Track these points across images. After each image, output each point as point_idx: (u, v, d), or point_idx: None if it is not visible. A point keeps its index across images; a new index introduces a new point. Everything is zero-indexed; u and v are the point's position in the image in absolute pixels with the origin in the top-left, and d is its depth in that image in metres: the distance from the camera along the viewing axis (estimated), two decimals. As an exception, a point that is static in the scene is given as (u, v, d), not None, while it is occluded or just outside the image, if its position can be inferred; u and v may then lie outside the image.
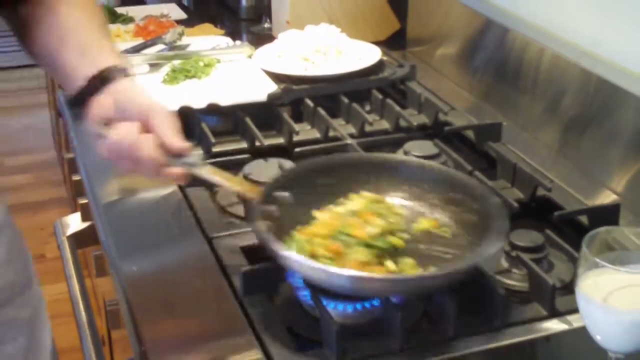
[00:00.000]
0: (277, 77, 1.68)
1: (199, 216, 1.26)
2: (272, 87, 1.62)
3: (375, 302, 1.02)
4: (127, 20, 2.20)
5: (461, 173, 1.21)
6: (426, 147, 1.40)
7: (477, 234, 1.07)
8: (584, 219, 1.22)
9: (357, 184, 1.17)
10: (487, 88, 1.70)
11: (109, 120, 1.11)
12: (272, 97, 1.59)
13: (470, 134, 1.50)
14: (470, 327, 1.00)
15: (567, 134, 1.46)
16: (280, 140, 1.51)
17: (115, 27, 2.10)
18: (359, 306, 1.02)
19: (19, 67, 4.60)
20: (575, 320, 1.02)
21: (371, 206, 1.09)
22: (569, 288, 1.09)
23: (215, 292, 1.09)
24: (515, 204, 1.22)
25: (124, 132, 1.07)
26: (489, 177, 1.29)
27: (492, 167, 1.39)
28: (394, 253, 1.05)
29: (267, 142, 1.46)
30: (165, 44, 1.88)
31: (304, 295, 1.04)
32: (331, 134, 1.52)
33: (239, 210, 1.27)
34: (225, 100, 1.56)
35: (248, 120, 1.51)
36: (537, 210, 1.27)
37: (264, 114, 1.57)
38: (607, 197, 1.33)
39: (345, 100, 1.60)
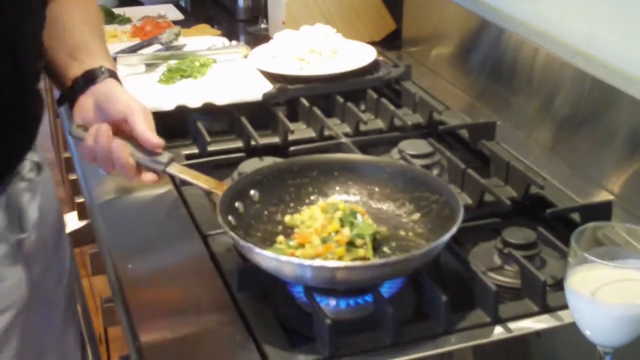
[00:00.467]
0: (272, 77, 1.69)
1: (194, 214, 1.27)
2: (268, 86, 1.62)
3: (368, 298, 1.03)
4: (124, 20, 2.21)
5: (425, 171, 1.24)
6: (420, 146, 1.41)
7: (439, 226, 1.09)
8: (576, 216, 1.23)
9: (326, 184, 1.21)
10: (482, 88, 1.71)
11: (89, 122, 1.14)
12: (267, 97, 1.60)
13: (464, 133, 1.51)
14: (462, 323, 1.01)
15: (561, 133, 1.47)
16: (276, 139, 1.52)
17: (112, 28, 2.11)
18: (351, 302, 1.03)
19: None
20: (566, 316, 1.02)
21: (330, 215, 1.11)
22: (560, 284, 1.09)
23: (210, 289, 1.10)
24: (508, 202, 1.23)
25: (100, 137, 1.10)
26: (483, 176, 1.30)
27: (485, 165, 1.40)
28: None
29: (263, 141, 1.47)
30: (162, 44, 1.89)
31: (297, 291, 1.05)
32: (326, 133, 1.52)
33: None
34: (221, 100, 1.57)
35: (243, 119, 1.52)
36: (530, 208, 1.28)
37: (259, 113, 1.58)
38: (600, 195, 1.34)
39: (341, 99, 1.61)
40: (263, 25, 2.21)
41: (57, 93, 1.76)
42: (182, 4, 2.51)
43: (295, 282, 1.04)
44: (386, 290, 1.04)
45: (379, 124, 1.57)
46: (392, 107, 1.57)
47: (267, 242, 1.12)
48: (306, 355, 0.97)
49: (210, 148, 1.46)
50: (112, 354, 1.66)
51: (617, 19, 1.39)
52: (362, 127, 1.54)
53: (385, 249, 1.10)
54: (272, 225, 1.15)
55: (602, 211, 1.22)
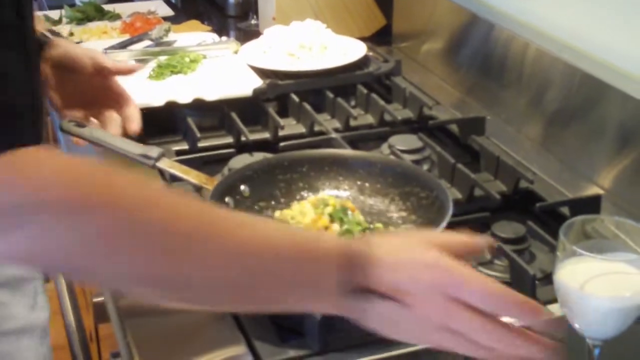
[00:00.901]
0: (262, 73, 1.69)
1: (184, 210, 1.26)
2: (258, 82, 1.62)
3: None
4: (114, 17, 2.20)
5: (415, 166, 1.24)
6: (410, 141, 1.41)
7: (429, 220, 1.10)
8: (565, 210, 1.23)
9: (316, 180, 1.21)
10: (472, 83, 1.71)
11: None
12: (257, 92, 1.59)
13: (454, 128, 1.51)
14: (452, 318, 1.01)
15: (551, 127, 1.47)
16: (266, 135, 1.52)
17: (102, 24, 2.11)
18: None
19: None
20: (555, 310, 1.02)
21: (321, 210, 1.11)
22: (549, 278, 1.10)
23: (200, 285, 1.09)
24: (498, 197, 1.23)
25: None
26: (473, 170, 1.30)
27: (475, 160, 1.40)
28: None
29: (253, 137, 1.47)
30: (152, 40, 1.89)
31: (288, 287, 1.05)
32: (316, 128, 1.52)
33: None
34: (211, 96, 1.56)
35: (234, 115, 1.52)
36: (519, 203, 1.28)
37: (249, 109, 1.57)
38: (589, 190, 1.34)
39: (331, 95, 1.61)
40: (253, 21, 2.21)
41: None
42: (172, 0, 2.51)
43: None
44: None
45: (369, 119, 1.57)
46: (382, 103, 1.57)
47: None
48: (296, 350, 0.97)
49: (201, 144, 1.46)
50: (103, 351, 1.65)
51: (606, 14, 1.40)
52: (352, 123, 1.54)
53: None
54: None
55: (591, 205, 1.22)
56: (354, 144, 1.46)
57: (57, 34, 1.79)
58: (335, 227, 1.06)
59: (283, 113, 1.59)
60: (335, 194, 1.19)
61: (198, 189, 1.27)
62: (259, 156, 1.36)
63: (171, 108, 1.54)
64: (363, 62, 1.75)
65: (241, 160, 1.35)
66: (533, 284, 1.03)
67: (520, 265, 1.05)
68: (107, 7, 2.28)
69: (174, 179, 1.28)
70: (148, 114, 1.53)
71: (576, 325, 0.85)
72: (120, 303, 1.07)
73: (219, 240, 0.70)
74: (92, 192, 0.67)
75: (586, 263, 0.82)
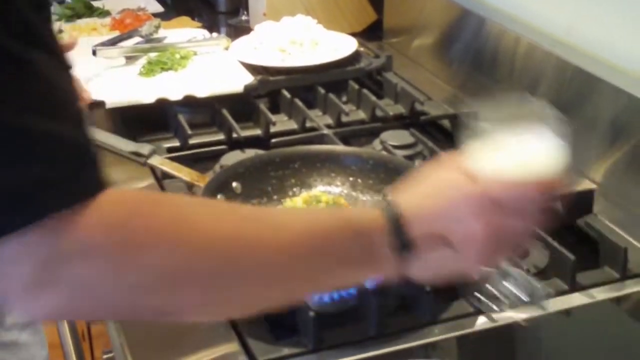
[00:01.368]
0: (253, 69, 1.68)
1: (175, 208, 1.25)
2: (249, 78, 1.61)
3: (352, 290, 1.02)
4: (103, 13, 2.19)
5: (407, 162, 1.24)
6: (402, 136, 1.40)
7: None
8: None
9: (308, 176, 1.20)
10: (464, 78, 1.71)
11: None
12: (248, 89, 1.59)
13: (446, 123, 1.51)
14: (446, 313, 1.01)
15: (543, 122, 1.47)
16: (257, 131, 1.51)
17: (91, 21, 2.09)
18: (335, 294, 1.02)
19: None
20: (550, 305, 1.03)
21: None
22: (544, 274, 1.10)
23: (192, 283, 1.09)
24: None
25: None
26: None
27: (468, 155, 1.39)
28: None
29: (244, 133, 1.46)
30: (142, 36, 1.88)
31: (281, 284, 1.04)
32: (308, 124, 1.52)
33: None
34: (202, 92, 1.56)
35: (225, 111, 1.51)
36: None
37: (240, 105, 1.57)
38: (582, 185, 1.34)
39: (322, 91, 1.60)
40: (244, 17, 2.20)
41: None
42: (162, -4, 2.50)
43: None
44: (369, 281, 1.03)
45: (361, 115, 1.57)
46: (373, 98, 1.56)
47: None
48: (290, 348, 0.96)
49: (192, 141, 1.45)
50: (95, 350, 1.65)
51: (598, 8, 1.39)
52: (344, 119, 1.54)
53: None
54: None
55: (584, 200, 1.22)
56: (345, 139, 1.46)
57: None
58: None
59: (274, 109, 1.58)
60: (328, 190, 1.19)
61: (190, 187, 1.27)
62: (250, 153, 1.36)
63: (162, 105, 1.53)
64: (354, 57, 1.75)
65: (233, 157, 1.34)
66: (527, 280, 1.03)
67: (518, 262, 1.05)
68: (97, 4, 2.26)
69: (165, 176, 1.28)
70: (139, 111, 1.53)
71: None
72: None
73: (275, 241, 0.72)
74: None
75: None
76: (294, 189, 1.19)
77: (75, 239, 0.61)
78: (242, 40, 1.82)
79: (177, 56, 1.72)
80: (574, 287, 1.06)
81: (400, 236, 0.75)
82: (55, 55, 0.63)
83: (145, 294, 0.66)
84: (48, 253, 0.60)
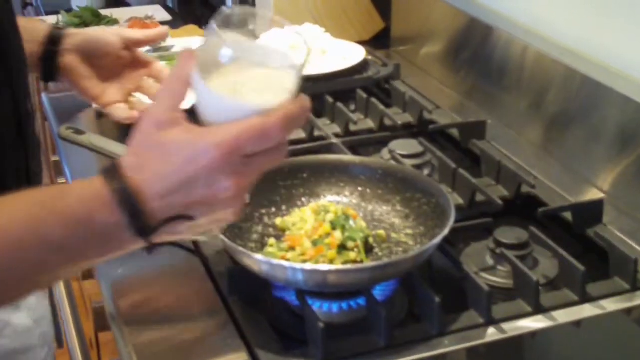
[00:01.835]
0: (261, 78, 1.67)
1: (184, 217, 1.25)
2: (257, 87, 1.61)
3: (361, 301, 1.02)
4: (111, 22, 2.19)
5: (416, 172, 1.24)
6: (411, 145, 1.40)
7: (431, 227, 1.09)
8: (568, 215, 1.22)
9: (317, 186, 1.20)
10: (472, 86, 1.71)
11: (81, 78, 1.14)
12: (256, 98, 1.58)
13: (454, 132, 1.50)
14: (455, 324, 1.00)
15: (552, 131, 1.47)
16: (265, 140, 1.51)
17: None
18: (344, 305, 1.02)
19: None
20: (560, 316, 1.02)
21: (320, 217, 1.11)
22: (553, 284, 1.10)
23: (201, 292, 1.09)
24: (500, 202, 1.22)
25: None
26: (474, 175, 1.29)
27: (476, 165, 1.39)
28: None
29: (252, 142, 1.46)
30: (150, 45, 1.88)
31: (290, 294, 1.04)
32: (316, 133, 1.51)
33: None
34: (209, 101, 1.55)
35: (233, 120, 1.51)
36: (521, 208, 1.27)
37: (248, 114, 1.56)
38: (591, 194, 1.34)
39: (330, 99, 1.60)
40: (251, 27, 2.20)
41: (43, 97, 1.76)
42: (170, 4, 2.50)
43: (287, 286, 1.03)
44: (379, 292, 1.03)
45: (369, 123, 1.57)
46: (382, 107, 1.56)
47: (258, 244, 1.11)
48: (299, 359, 0.96)
49: (200, 150, 1.45)
50: (103, 358, 1.65)
51: (607, 16, 1.39)
52: (352, 127, 1.53)
53: (377, 251, 1.09)
54: (263, 228, 1.15)
55: (594, 210, 1.22)
56: (354, 149, 1.46)
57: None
58: (337, 234, 1.05)
59: (282, 118, 1.57)
60: (337, 200, 1.19)
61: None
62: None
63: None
64: (362, 66, 1.75)
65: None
66: (537, 290, 1.03)
67: (523, 271, 1.05)
68: (105, 12, 2.27)
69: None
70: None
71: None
72: (121, 311, 1.07)
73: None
74: None
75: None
76: (303, 199, 1.19)
77: None
78: (250, 48, 1.81)
79: (185, 65, 1.71)
80: (584, 298, 1.05)
81: (141, 227, 0.75)
82: None
83: None
84: None
